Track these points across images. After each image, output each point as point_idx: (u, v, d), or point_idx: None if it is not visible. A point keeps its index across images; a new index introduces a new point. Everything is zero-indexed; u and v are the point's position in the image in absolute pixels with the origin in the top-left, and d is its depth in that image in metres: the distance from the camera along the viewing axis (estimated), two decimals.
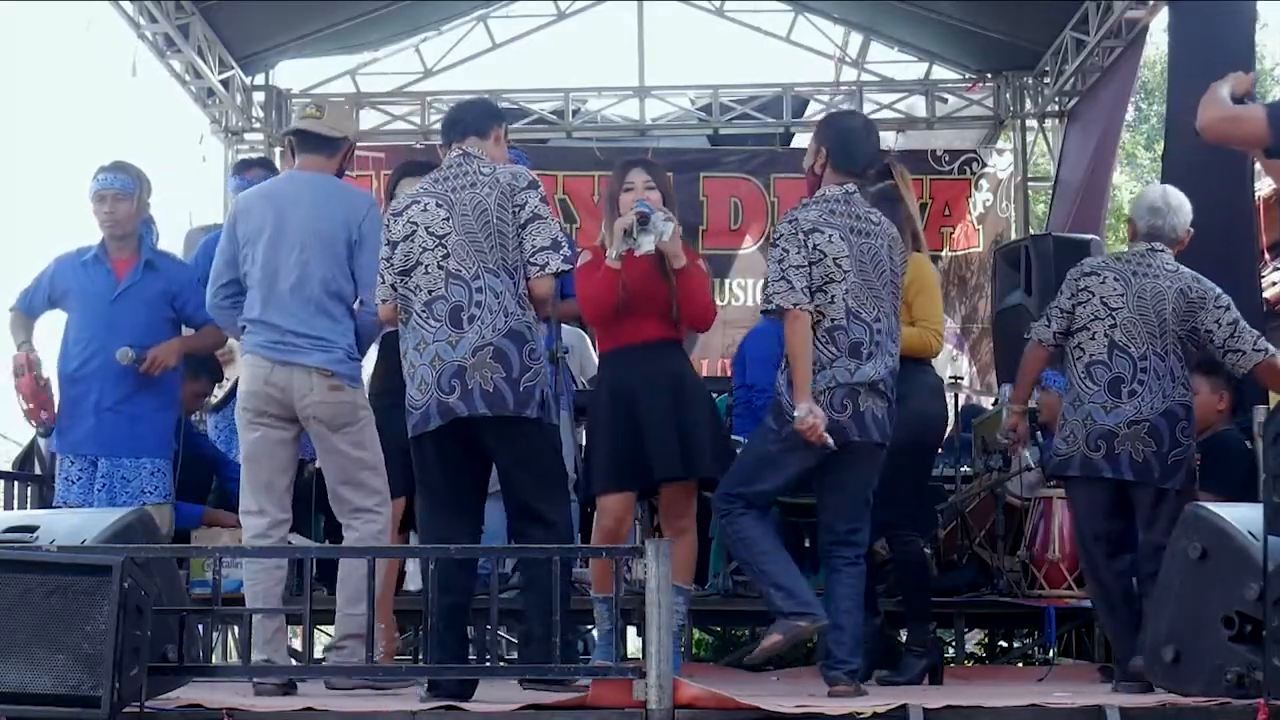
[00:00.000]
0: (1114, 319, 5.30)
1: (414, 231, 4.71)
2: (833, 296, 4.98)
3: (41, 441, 6.44)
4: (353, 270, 5.08)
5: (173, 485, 5.90)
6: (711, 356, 10.52)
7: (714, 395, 7.55)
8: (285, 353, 5.03)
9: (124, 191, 5.90)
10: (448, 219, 4.69)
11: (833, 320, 4.98)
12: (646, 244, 5.17)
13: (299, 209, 5.11)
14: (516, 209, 4.70)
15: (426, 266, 4.68)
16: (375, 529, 5.05)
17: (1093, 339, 5.31)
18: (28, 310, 6.00)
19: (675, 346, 5.49)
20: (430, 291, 4.67)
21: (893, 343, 5.07)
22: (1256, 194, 9.47)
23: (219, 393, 6.82)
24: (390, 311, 4.80)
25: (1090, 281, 5.36)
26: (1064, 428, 5.31)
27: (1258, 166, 7.64)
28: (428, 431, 4.65)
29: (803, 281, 4.94)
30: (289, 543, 5.11)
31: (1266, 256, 8.62)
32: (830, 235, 5.01)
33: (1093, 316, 5.33)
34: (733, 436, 6.84)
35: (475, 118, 4.89)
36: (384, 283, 4.78)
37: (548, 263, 4.67)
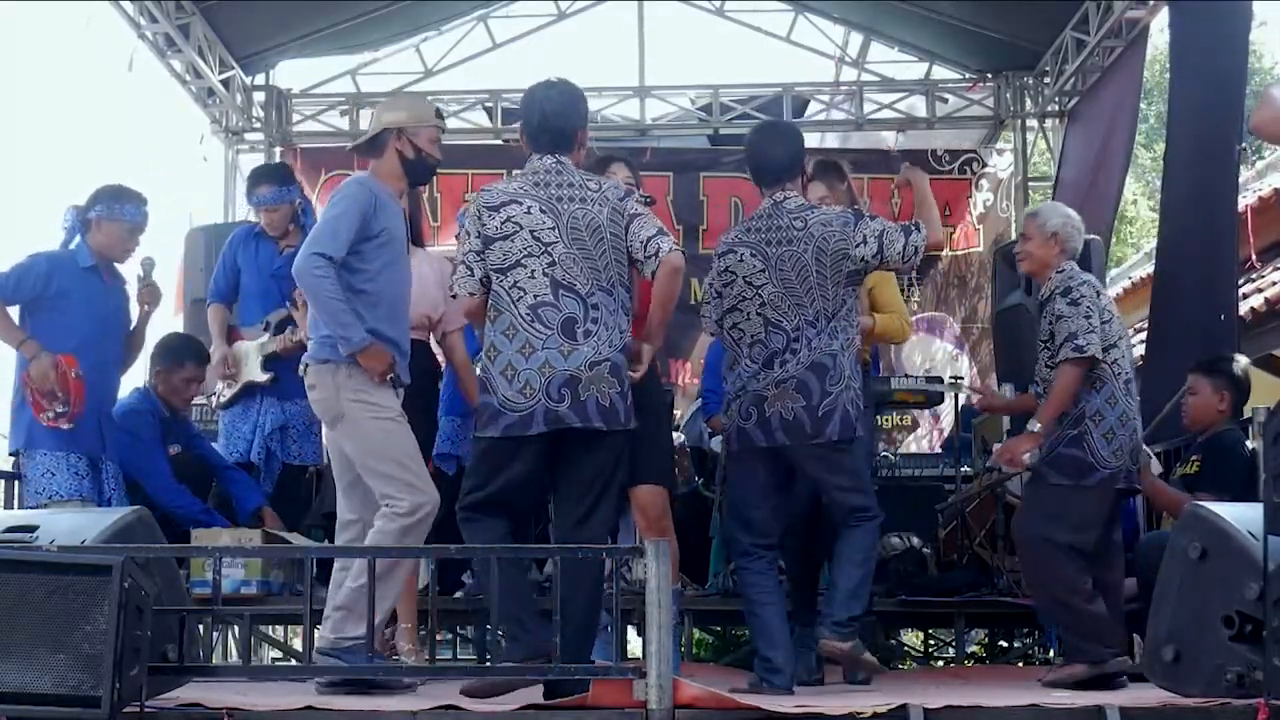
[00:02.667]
0: (1128, 339, 5.48)
1: (516, 231, 4.65)
2: (747, 313, 5.15)
3: None
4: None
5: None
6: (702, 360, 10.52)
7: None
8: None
9: (144, 230, 6.08)
10: (554, 228, 4.64)
11: (753, 336, 5.15)
12: None
13: None
14: (623, 215, 4.71)
15: (531, 271, 4.62)
16: (389, 521, 4.90)
17: (1123, 356, 5.43)
18: (10, 300, 5.91)
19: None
20: (536, 296, 4.61)
21: (827, 337, 5.07)
22: (1256, 194, 9.49)
23: (228, 392, 6.82)
24: (478, 305, 4.73)
25: (1105, 301, 5.47)
26: (1113, 441, 5.31)
27: (1260, 165, 7.66)
28: (526, 435, 4.59)
29: (714, 313, 5.28)
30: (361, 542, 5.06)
31: (1255, 258, 8.60)
32: (741, 254, 5.18)
33: (1120, 335, 5.44)
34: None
35: (565, 135, 4.78)
36: (471, 275, 4.70)
37: (659, 247, 4.66)
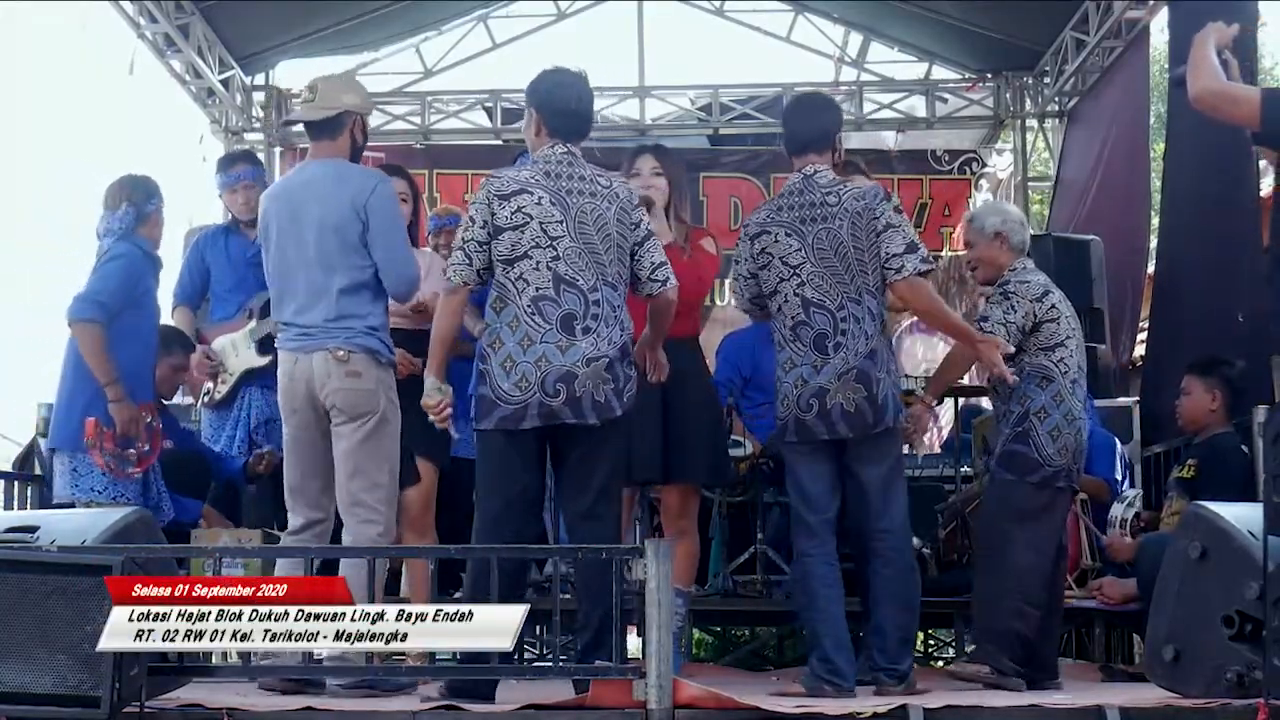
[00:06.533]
0: (1078, 338, 5.46)
1: (527, 223, 4.61)
2: (786, 296, 5.04)
3: (41, 440, 6.42)
4: (371, 255, 4.90)
5: None
6: (709, 355, 10.49)
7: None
8: (305, 342, 4.97)
9: None
10: (562, 221, 4.61)
11: (793, 317, 5.03)
12: None
13: (309, 204, 5.00)
14: (634, 226, 4.70)
15: (536, 262, 4.60)
16: (374, 531, 4.90)
17: (1070, 355, 5.40)
18: (109, 316, 5.62)
19: (675, 345, 5.47)
20: (538, 289, 4.59)
21: (871, 322, 4.99)
22: (1260, 193, 9.46)
23: (222, 388, 6.74)
24: (463, 298, 4.72)
25: (1055, 299, 5.43)
26: (1058, 439, 5.32)
27: (1262, 164, 7.65)
28: (519, 429, 4.60)
29: (747, 292, 5.16)
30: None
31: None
32: (776, 234, 5.07)
33: (1068, 335, 5.42)
34: (733, 437, 6.88)
35: (590, 124, 4.83)
36: (469, 264, 4.65)
37: (667, 278, 4.74)
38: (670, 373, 5.27)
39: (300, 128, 11.19)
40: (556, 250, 4.60)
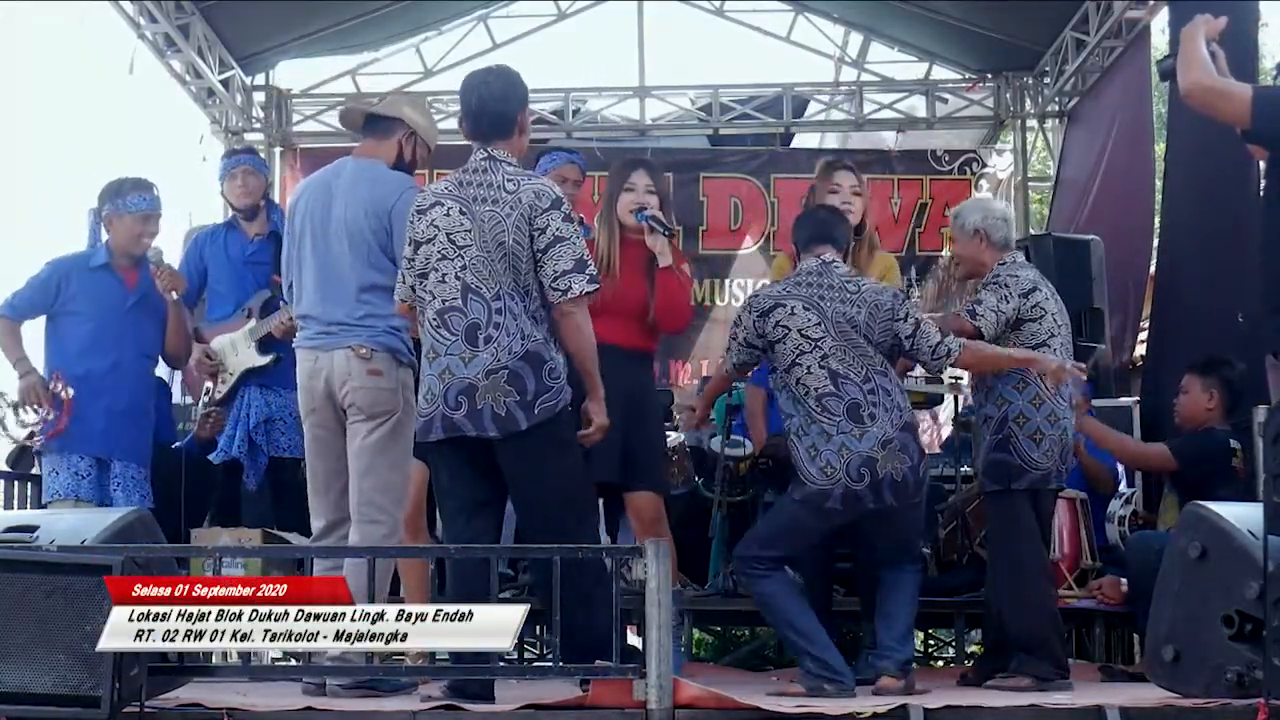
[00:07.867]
0: (1063, 339, 5.47)
1: (435, 235, 4.59)
2: (809, 367, 5.04)
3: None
4: (393, 260, 4.89)
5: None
6: (711, 357, 10.51)
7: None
8: (325, 340, 4.98)
9: (160, 213, 6.15)
10: (470, 230, 4.56)
11: (818, 390, 5.03)
12: None
13: (336, 199, 5.01)
14: (536, 233, 4.54)
15: (444, 275, 4.57)
16: (380, 532, 4.90)
17: (1053, 355, 5.37)
18: (19, 317, 6.06)
19: (642, 357, 5.51)
20: (445, 301, 4.56)
21: (901, 395, 5.09)
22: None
23: (222, 388, 6.74)
24: (408, 311, 4.76)
25: (1040, 298, 5.43)
26: (1042, 442, 5.31)
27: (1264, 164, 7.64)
28: (429, 441, 4.62)
29: (742, 358, 5.23)
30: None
31: None
32: (792, 307, 5.09)
33: (1050, 334, 5.42)
34: (733, 437, 6.89)
35: (505, 119, 4.69)
36: (404, 283, 4.71)
37: (569, 287, 4.52)
38: (631, 384, 5.27)
39: (300, 127, 11.36)
40: (464, 259, 4.55)
